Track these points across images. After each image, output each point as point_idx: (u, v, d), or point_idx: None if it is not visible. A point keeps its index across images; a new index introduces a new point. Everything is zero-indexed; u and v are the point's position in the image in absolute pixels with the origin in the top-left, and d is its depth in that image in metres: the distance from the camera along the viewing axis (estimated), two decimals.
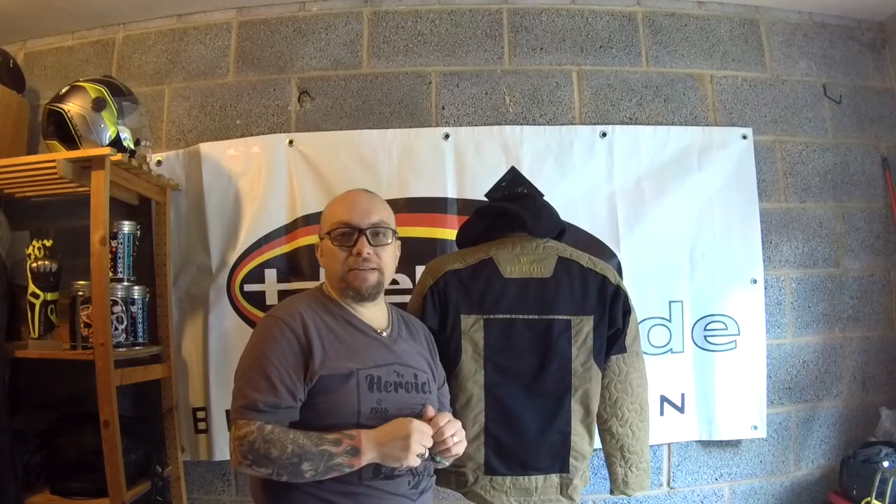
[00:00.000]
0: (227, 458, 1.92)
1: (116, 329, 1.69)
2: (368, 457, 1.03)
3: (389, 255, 1.20)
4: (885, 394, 2.08)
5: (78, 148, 1.65)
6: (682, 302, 1.96)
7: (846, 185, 2.14)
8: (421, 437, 1.05)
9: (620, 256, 1.94)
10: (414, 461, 1.04)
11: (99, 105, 1.67)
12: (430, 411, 1.12)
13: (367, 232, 1.16)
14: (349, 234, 1.16)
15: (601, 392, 1.42)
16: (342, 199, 1.22)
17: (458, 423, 1.13)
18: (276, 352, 1.07)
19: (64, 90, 1.70)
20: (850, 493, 1.84)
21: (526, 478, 1.36)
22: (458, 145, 1.98)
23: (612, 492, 1.51)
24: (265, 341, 1.09)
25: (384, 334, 1.19)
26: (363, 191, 1.25)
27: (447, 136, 1.98)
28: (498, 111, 2.05)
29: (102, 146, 1.65)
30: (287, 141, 1.99)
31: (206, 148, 2.01)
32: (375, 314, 1.21)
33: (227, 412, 1.91)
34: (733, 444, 2.01)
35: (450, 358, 1.37)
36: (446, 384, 1.32)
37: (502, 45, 2.09)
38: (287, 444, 1.00)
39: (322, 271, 1.31)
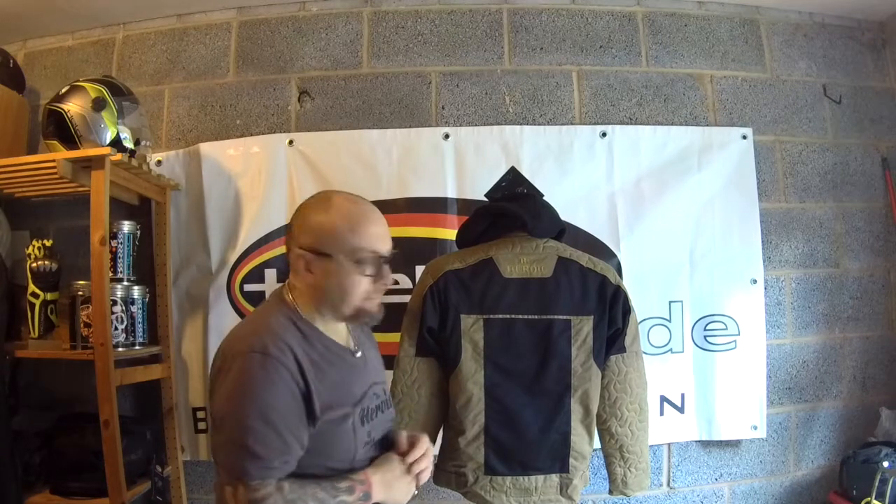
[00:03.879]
0: None
1: (116, 329, 1.69)
2: (377, 499, 1.00)
3: None
4: (885, 394, 2.08)
5: (78, 148, 1.65)
6: (682, 302, 1.96)
7: (846, 185, 2.14)
8: (418, 477, 1.07)
9: (620, 256, 1.94)
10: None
11: (99, 105, 1.67)
12: (403, 443, 1.08)
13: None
14: (379, 264, 1.03)
15: (600, 392, 1.42)
16: (366, 217, 1.04)
17: (430, 452, 1.11)
18: (279, 398, 0.92)
19: (64, 90, 1.70)
20: (850, 493, 1.84)
21: (526, 478, 1.36)
22: (458, 145, 1.98)
23: (611, 492, 1.51)
24: (263, 385, 0.92)
25: (354, 348, 1.10)
26: (376, 208, 1.08)
27: (447, 136, 1.98)
28: (498, 111, 2.05)
29: (102, 146, 1.66)
30: (287, 141, 1.99)
31: (206, 148, 2.01)
32: (338, 327, 1.09)
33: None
34: (733, 445, 2.01)
35: (450, 358, 1.37)
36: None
37: (502, 45, 2.09)
38: (308, 501, 0.93)
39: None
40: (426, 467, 1.08)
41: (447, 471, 1.40)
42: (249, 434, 0.90)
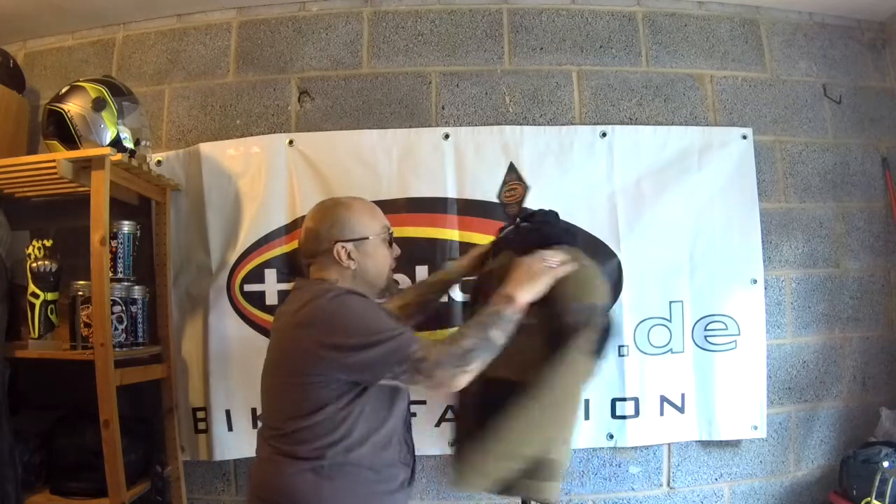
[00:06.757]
0: (227, 458, 1.94)
1: (116, 329, 1.69)
2: (521, 297, 1.19)
3: None
4: (885, 394, 2.08)
5: (78, 148, 1.65)
6: (682, 302, 1.95)
7: (846, 185, 2.14)
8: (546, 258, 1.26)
9: (620, 256, 1.94)
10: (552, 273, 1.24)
11: (99, 105, 1.67)
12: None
13: None
14: (392, 239, 1.32)
15: None
16: (372, 205, 1.34)
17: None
18: (374, 307, 1.20)
19: (64, 90, 1.70)
20: (850, 493, 1.84)
21: None
22: (458, 145, 1.98)
23: None
24: (371, 308, 1.18)
25: None
26: None
27: (447, 136, 1.98)
28: (498, 111, 2.05)
29: (102, 146, 1.66)
30: (287, 141, 1.99)
31: (206, 148, 2.01)
32: None
33: (227, 412, 1.92)
34: (733, 445, 2.00)
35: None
36: None
37: (502, 45, 2.09)
38: (466, 332, 1.14)
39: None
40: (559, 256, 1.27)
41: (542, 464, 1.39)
42: (390, 335, 1.10)
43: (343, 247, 1.22)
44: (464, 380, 1.12)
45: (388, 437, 1.18)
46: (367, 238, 1.25)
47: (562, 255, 1.28)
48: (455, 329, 1.17)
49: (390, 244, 1.31)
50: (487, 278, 1.40)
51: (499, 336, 1.15)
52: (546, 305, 1.26)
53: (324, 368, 1.11)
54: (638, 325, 1.92)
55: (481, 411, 1.31)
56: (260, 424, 1.26)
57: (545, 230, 1.43)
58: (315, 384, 1.11)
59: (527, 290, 1.20)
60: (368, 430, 1.15)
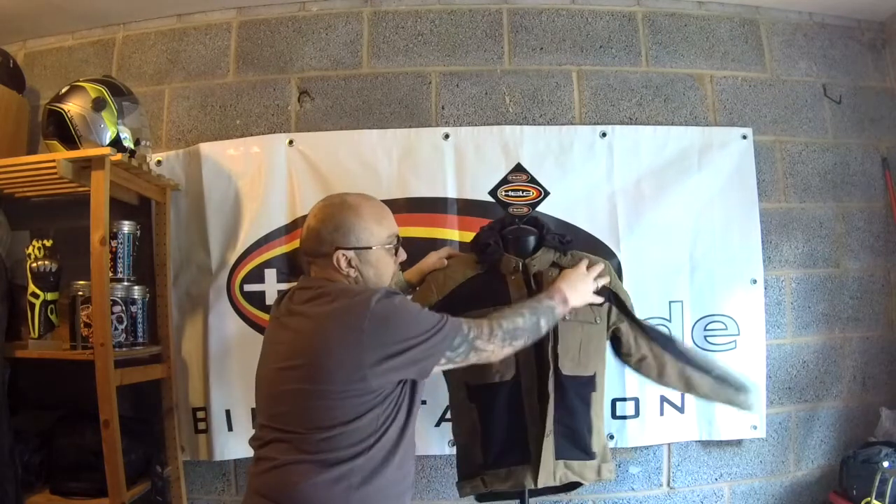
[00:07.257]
0: (227, 458, 1.93)
1: (116, 329, 1.69)
2: (571, 302, 1.30)
3: None
4: (885, 394, 2.08)
5: (78, 148, 1.65)
6: (682, 302, 1.95)
7: (846, 185, 2.14)
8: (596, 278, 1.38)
9: (620, 256, 1.94)
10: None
11: (99, 105, 1.67)
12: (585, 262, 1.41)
13: None
14: (399, 244, 1.24)
15: None
16: (382, 208, 1.23)
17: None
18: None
19: (64, 90, 1.70)
20: (850, 493, 1.84)
21: None
22: (458, 145, 1.98)
23: None
24: (412, 303, 1.24)
25: None
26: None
27: (447, 136, 1.98)
28: (498, 111, 2.05)
29: (102, 146, 1.65)
30: (287, 141, 1.99)
31: (206, 148, 2.01)
32: None
33: (227, 412, 1.92)
34: (733, 444, 2.00)
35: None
36: None
37: (502, 45, 2.09)
38: (521, 312, 1.22)
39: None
40: (603, 272, 1.40)
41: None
42: (436, 322, 1.12)
43: (344, 255, 1.14)
44: (506, 352, 1.20)
45: (412, 430, 1.16)
46: (369, 248, 1.16)
47: (605, 279, 1.41)
48: (510, 309, 1.23)
49: (396, 251, 1.23)
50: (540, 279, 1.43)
51: (544, 326, 1.25)
52: (607, 308, 1.46)
53: (380, 378, 1.06)
54: None
55: (575, 405, 1.42)
56: (259, 424, 1.19)
57: (566, 238, 1.51)
58: (363, 392, 1.06)
59: (576, 299, 1.32)
60: (402, 425, 1.13)
